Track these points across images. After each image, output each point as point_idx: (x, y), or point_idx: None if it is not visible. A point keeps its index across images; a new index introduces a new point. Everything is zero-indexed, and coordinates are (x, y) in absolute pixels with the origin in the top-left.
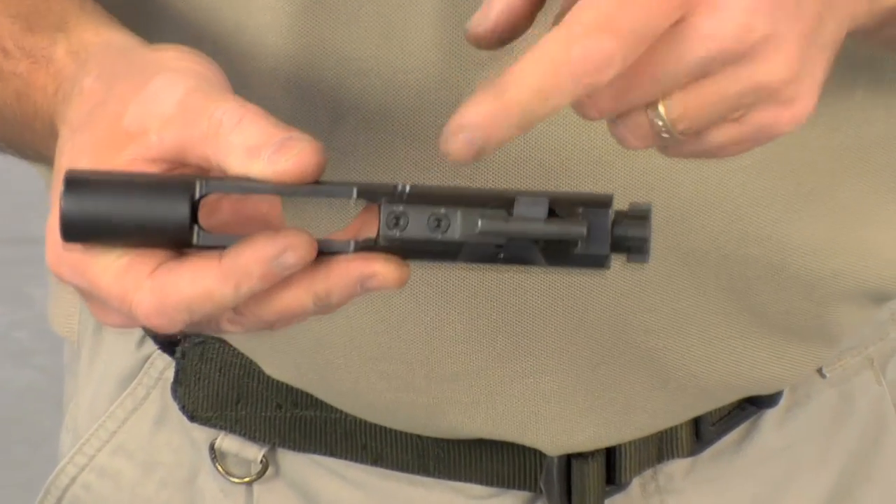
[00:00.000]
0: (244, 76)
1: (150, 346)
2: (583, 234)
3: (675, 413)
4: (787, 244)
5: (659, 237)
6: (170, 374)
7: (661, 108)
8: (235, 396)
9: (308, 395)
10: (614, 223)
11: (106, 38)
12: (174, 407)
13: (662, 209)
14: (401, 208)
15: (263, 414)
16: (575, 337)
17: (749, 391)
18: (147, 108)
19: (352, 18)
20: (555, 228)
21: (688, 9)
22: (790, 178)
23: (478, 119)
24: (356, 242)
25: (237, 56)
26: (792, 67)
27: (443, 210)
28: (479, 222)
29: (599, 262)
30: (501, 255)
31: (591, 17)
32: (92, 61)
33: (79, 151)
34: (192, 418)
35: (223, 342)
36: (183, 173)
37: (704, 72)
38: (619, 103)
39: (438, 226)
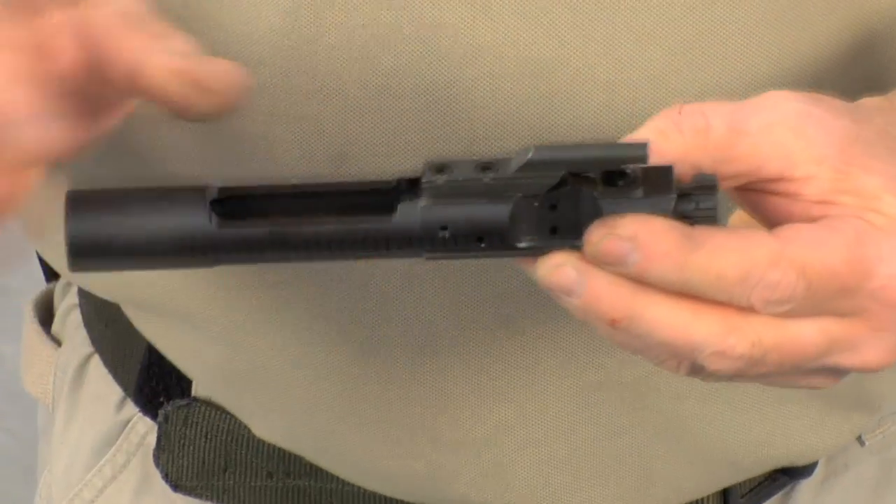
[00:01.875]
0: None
1: (131, 408)
2: (645, 154)
3: (700, 485)
4: None
5: None
6: (152, 440)
7: None
8: (223, 464)
9: (302, 463)
10: (679, 196)
11: None
12: (156, 475)
13: None
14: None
15: (253, 483)
16: (592, 400)
17: (782, 462)
18: None
19: None
20: (615, 151)
21: (865, 314)
22: None
23: (650, 249)
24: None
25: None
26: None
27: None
28: (531, 152)
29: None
30: (556, 220)
31: (803, 258)
32: None
33: None
34: (175, 487)
35: (209, 404)
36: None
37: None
38: (763, 362)
39: (489, 168)
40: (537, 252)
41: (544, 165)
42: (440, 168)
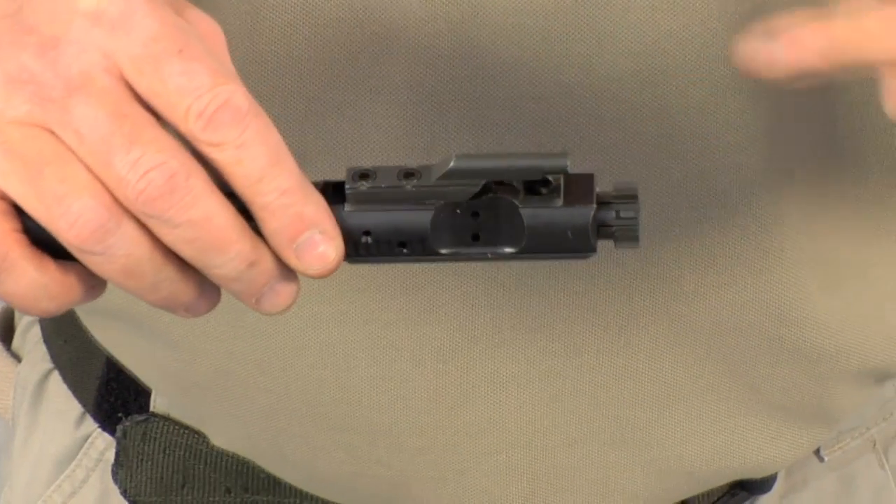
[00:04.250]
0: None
1: (90, 424)
2: (565, 165)
3: (657, 497)
4: (785, 314)
5: (645, 301)
6: (111, 455)
7: None
8: (181, 479)
9: (259, 479)
10: (599, 204)
11: None
12: (115, 491)
13: (650, 269)
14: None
15: (211, 499)
16: (550, 409)
17: (739, 474)
18: None
19: None
20: (534, 161)
21: None
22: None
23: (790, 30)
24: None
25: None
26: None
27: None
28: (453, 161)
29: (584, 243)
30: (477, 228)
31: None
32: None
33: None
34: (133, 503)
35: (167, 420)
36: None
37: None
38: None
39: (411, 175)
40: (459, 258)
41: (466, 174)
42: (364, 175)
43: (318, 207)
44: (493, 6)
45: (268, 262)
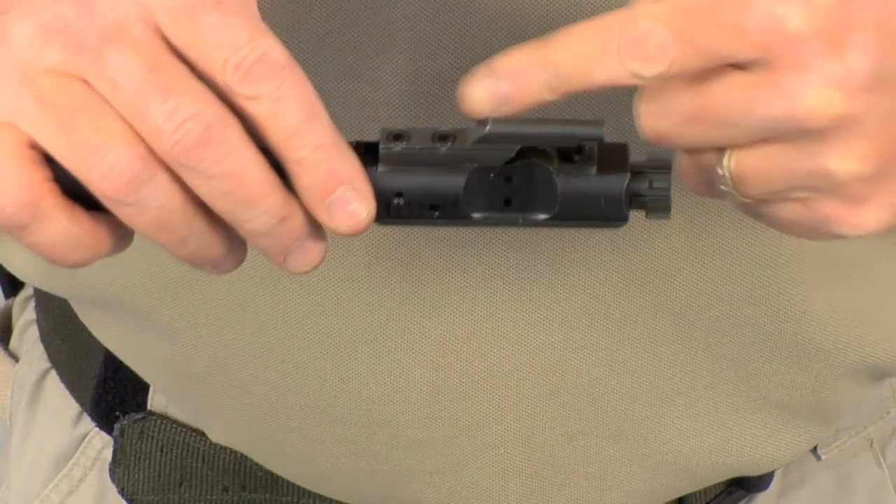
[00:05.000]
0: None
1: (88, 423)
2: (601, 133)
3: (655, 493)
4: (784, 309)
5: (645, 295)
6: (108, 454)
7: (726, 159)
8: (178, 477)
9: (257, 477)
10: (633, 174)
11: None
12: (113, 490)
13: (649, 262)
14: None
15: (209, 497)
16: (549, 403)
17: (737, 471)
18: None
19: None
20: (570, 128)
21: (769, 56)
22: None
23: (511, 67)
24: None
25: None
26: (868, 162)
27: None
28: (490, 125)
29: (617, 211)
30: (510, 193)
31: (659, 9)
32: None
33: None
34: (131, 502)
35: (164, 418)
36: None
37: (774, 133)
38: (685, 131)
39: (446, 139)
40: (490, 223)
41: (500, 139)
42: (398, 136)
43: (351, 165)
44: None
45: (299, 219)
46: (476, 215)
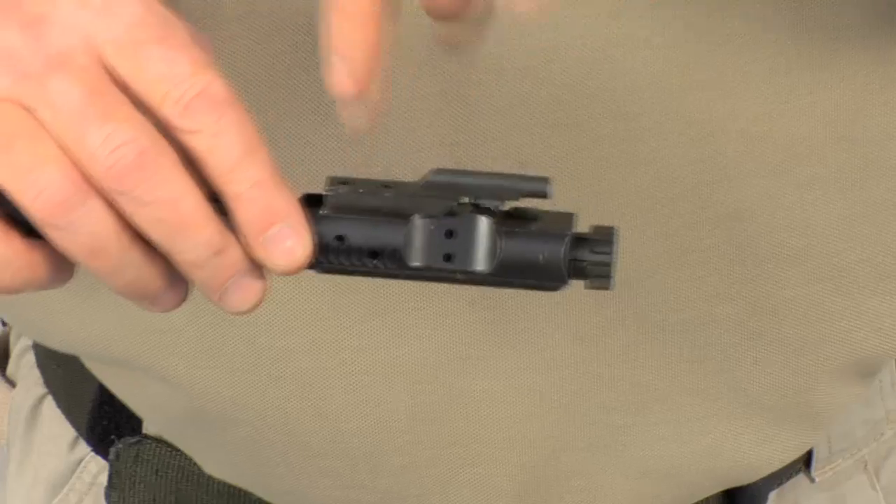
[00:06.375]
0: None
1: (84, 448)
2: (545, 189)
3: (643, 502)
4: (760, 306)
5: (613, 305)
6: (104, 479)
7: None
8: (173, 501)
9: (251, 500)
10: (575, 242)
11: None
12: None
13: (620, 270)
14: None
15: None
16: (528, 424)
17: (730, 477)
18: None
19: None
20: (514, 182)
21: None
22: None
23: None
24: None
25: None
26: None
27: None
28: (432, 174)
29: (556, 272)
30: (451, 246)
31: None
32: None
33: None
34: None
35: (160, 442)
36: None
37: None
38: None
39: (390, 187)
40: (429, 275)
41: (444, 188)
42: (343, 182)
43: (289, 202)
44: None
45: (235, 253)
46: (415, 264)
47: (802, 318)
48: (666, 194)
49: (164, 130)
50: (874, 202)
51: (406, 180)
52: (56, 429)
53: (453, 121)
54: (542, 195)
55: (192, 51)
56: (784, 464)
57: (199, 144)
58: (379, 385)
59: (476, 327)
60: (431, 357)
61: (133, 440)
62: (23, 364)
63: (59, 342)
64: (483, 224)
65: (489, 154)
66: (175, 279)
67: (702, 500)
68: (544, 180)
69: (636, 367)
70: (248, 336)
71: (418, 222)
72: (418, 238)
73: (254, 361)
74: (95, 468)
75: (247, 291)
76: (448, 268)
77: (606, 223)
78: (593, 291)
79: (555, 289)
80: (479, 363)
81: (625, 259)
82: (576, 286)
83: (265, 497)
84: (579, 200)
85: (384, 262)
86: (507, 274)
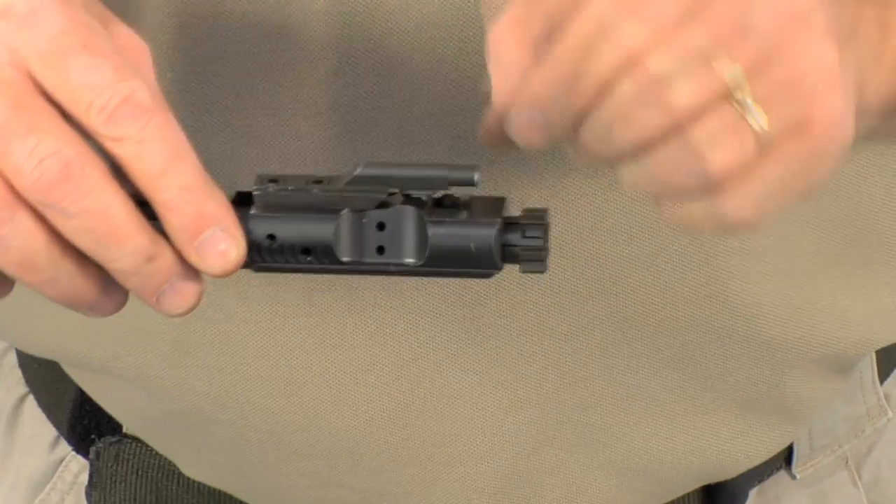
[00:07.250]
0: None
1: (65, 447)
2: (472, 177)
3: (624, 500)
4: (731, 306)
5: (589, 305)
6: (84, 478)
7: None
8: (154, 500)
9: (233, 500)
10: (505, 227)
11: None
12: None
13: (591, 273)
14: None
15: None
16: (505, 420)
17: (711, 474)
18: None
19: None
20: (442, 171)
21: None
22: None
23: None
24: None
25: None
26: None
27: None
28: (360, 167)
29: (488, 260)
30: (382, 239)
31: None
32: None
33: None
34: None
35: (140, 441)
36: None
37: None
38: None
39: (319, 182)
40: (363, 269)
41: (372, 181)
42: (272, 179)
43: (220, 205)
44: (408, 21)
45: (168, 259)
46: (347, 259)
47: (771, 316)
48: (634, 195)
49: (93, 140)
50: (823, 193)
51: (334, 174)
52: (37, 428)
53: (410, 118)
54: (470, 183)
55: (115, 58)
56: (764, 458)
57: (124, 152)
58: (355, 383)
59: (454, 325)
60: (405, 354)
61: (113, 439)
62: (4, 363)
63: (37, 347)
64: (411, 215)
65: (453, 156)
66: (111, 285)
67: (682, 498)
68: (472, 168)
69: (612, 366)
70: (222, 335)
71: (347, 217)
72: (349, 233)
73: (230, 360)
74: (76, 467)
75: (182, 295)
76: (380, 261)
77: (579, 225)
78: (569, 290)
79: (489, 275)
80: (456, 361)
81: (598, 260)
82: (509, 269)
83: (245, 499)
84: (548, 201)
85: (317, 258)
86: (440, 264)
